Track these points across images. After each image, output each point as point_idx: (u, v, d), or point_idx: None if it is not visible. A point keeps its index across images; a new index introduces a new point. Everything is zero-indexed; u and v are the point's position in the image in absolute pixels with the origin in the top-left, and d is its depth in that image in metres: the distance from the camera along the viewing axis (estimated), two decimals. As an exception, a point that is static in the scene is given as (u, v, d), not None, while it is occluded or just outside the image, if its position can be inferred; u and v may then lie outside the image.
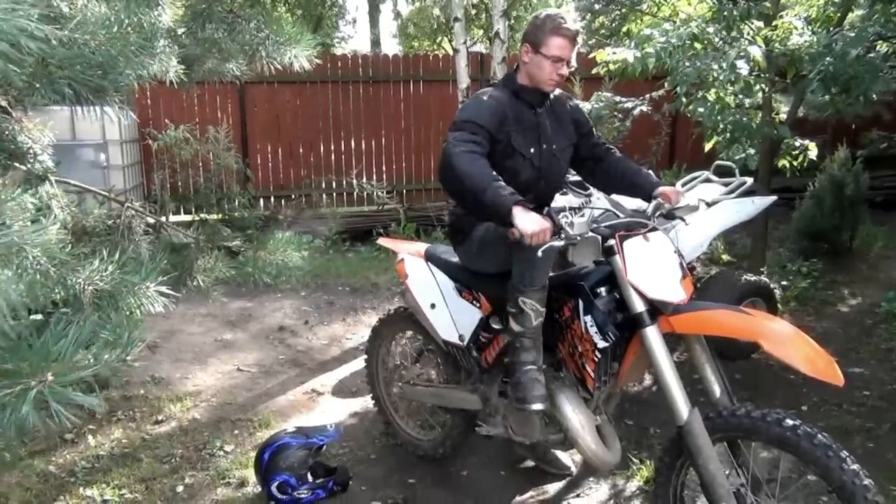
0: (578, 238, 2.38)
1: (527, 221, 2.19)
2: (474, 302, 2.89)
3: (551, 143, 2.73)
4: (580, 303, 2.42)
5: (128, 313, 1.59)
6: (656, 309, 2.28)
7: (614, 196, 4.28)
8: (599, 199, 4.16)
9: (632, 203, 2.99)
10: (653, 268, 2.30)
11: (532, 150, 2.66)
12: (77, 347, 1.40)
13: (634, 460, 3.18)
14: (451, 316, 2.95)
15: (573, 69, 2.65)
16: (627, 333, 2.39)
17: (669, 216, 2.54)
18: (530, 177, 2.66)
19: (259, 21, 2.15)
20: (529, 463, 3.30)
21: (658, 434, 3.47)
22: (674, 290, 2.27)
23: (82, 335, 1.42)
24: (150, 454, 3.40)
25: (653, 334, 2.27)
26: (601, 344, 2.37)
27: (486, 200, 2.28)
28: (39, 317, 1.65)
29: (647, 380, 4.05)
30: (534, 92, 2.68)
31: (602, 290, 2.41)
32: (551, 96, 2.76)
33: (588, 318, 2.39)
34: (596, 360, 2.41)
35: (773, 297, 4.57)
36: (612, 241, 2.34)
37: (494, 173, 2.36)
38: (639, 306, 2.28)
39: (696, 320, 2.23)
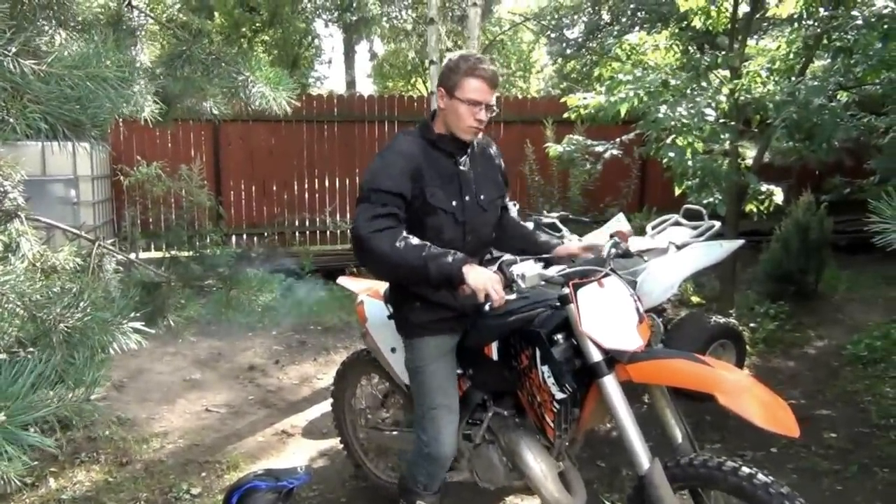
0: (529, 292, 2.34)
1: (478, 278, 2.18)
2: None
3: (477, 194, 2.53)
4: (537, 351, 2.36)
5: (99, 350, 1.56)
6: (613, 357, 2.25)
7: (588, 237, 4.33)
8: (572, 241, 4.21)
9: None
10: (608, 315, 2.27)
11: (454, 202, 2.45)
12: (36, 387, 1.36)
13: (606, 503, 3.17)
14: None
15: (494, 113, 2.48)
16: (587, 379, 2.34)
17: (626, 255, 2.54)
18: (455, 234, 2.48)
19: (239, 63, 2.17)
20: (502, 506, 3.28)
21: (630, 475, 3.46)
22: (630, 337, 2.25)
23: (43, 374, 1.38)
24: (113, 498, 3.31)
25: (610, 384, 2.23)
26: (559, 395, 2.33)
27: (431, 276, 2.19)
28: (3, 356, 1.61)
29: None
30: (452, 140, 2.47)
31: (559, 336, 2.35)
32: (475, 144, 2.57)
33: (545, 368, 2.33)
34: (555, 410, 2.37)
35: (742, 338, 4.63)
36: (565, 290, 2.29)
37: (421, 242, 2.24)
38: (595, 356, 2.24)
39: (652, 369, 2.21)
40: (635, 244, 3.70)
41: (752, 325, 5.71)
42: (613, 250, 2.50)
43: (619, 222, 4.56)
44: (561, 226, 4.35)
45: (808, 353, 5.39)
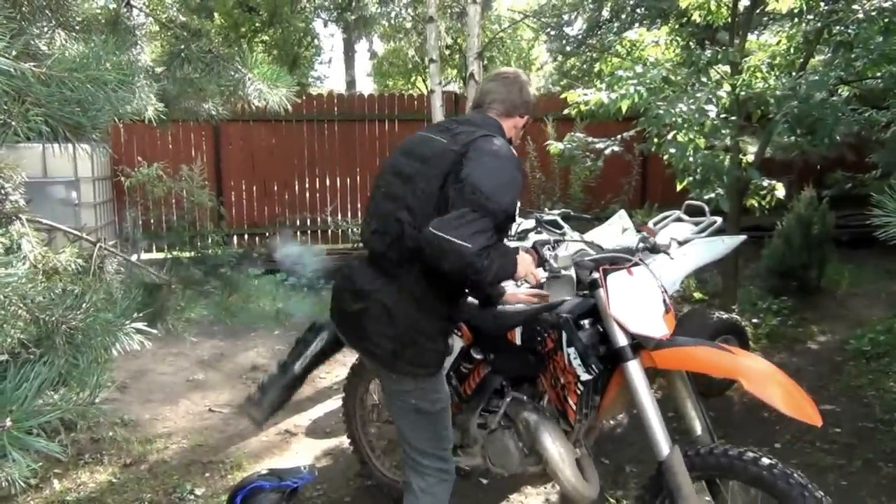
0: (562, 271, 2.41)
1: (521, 267, 2.16)
2: (456, 331, 2.88)
3: None
4: (563, 335, 2.40)
5: (102, 351, 1.56)
6: (639, 343, 2.29)
7: (590, 234, 4.33)
8: (573, 238, 4.21)
9: (609, 240, 3.01)
10: (636, 302, 2.31)
11: None
12: (40, 391, 1.36)
13: (611, 500, 3.16)
14: None
15: None
16: (610, 366, 2.39)
17: (654, 250, 2.57)
18: None
19: (238, 61, 2.17)
20: None
21: (634, 472, 3.46)
22: (656, 325, 2.28)
23: (48, 378, 1.38)
24: (118, 499, 3.31)
25: (634, 369, 2.27)
26: (584, 377, 2.36)
27: (494, 281, 2.21)
28: (5, 357, 1.61)
29: (623, 418, 4.05)
30: None
31: (585, 322, 2.40)
32: None
33: (571, 351, 2.37)
34: (578, 392, 2.40)
35: (745, 334, 4.62)
36: (595, 275, 2.35)
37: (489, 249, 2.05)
38: (621, 340, 2.28)
39: (677, 356, 2.25)
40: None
41: (754, 320, 5.70)
42: (641, 244, 2.54)
43: (621, 219, 4.56)
44: (562, 223, 4.33)
45: (811, 349, 5.38)
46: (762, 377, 2.13)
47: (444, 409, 2.33)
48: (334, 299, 2.38)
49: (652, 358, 2.26)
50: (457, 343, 2.87)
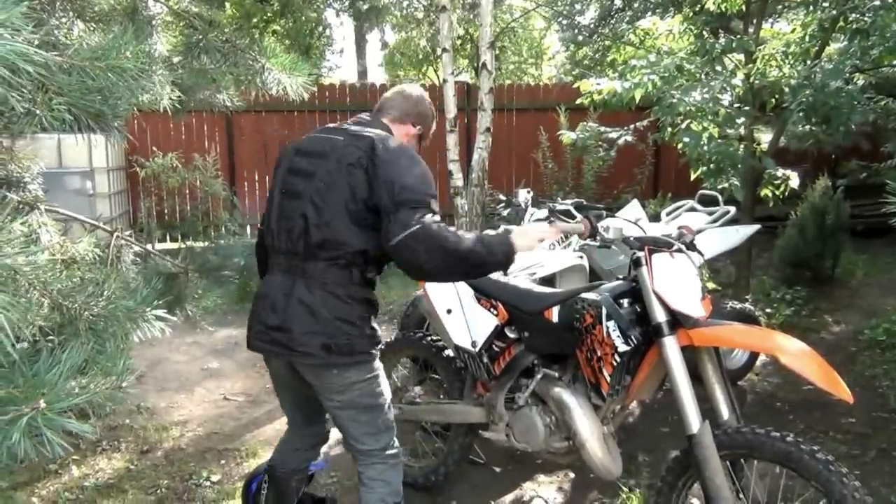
0: (611, 243, 2.52)
1: (524, 241, 2.20)
2: (492, 310, 2.96)
3: None
4: (603, 310, 2.49)
5: (122, 337, 1.58)
6: (676, 321, 2.34)
7: (603, 223, 4.34)
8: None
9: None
10: (677, 283, 2.38)
11: None
12: (70, 374, 1.39)
13: (623, 488, 3.18)
14: (467, 321, 3.02)
15: None
16: (644, 347, 2.45)
17: (690, 247, 2.61)
18: None
19: (256, 51, 2.18)
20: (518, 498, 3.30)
21: (646, 461, 3.47)
22: (695, 305, 2.35)
23: (76, 362, 1.41)
24: (135, 485, 3.36)
25: (671, 344, 2.33)
26: (622, 348, 2.43)
27: (489, 265, 2.13)
28: (26, 344, 1.64)
29: (635, 407, 4.05)
30: None
31: (624, 301, 2.49)
32: None
33: (611, 324, 2.46)
34: (614, 364, 2.47)
35: (759, 324, 4.60)
36: (640, 254, 2.43)
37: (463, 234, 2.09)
38: (660, 316, 2.34)
39: (714, 333, 2.30)
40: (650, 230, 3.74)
41: (768, 310, 5.68)
42: (680, 239, 2.63)
43: (634, 209, 4.55)
44: (575, 213, 4.34)
45: (825, 339, 5.36)
46: (799, 353, 2.20)
47: (385, 403, 2.32)
48: (252, 325, 2.28)
49: (689, 336, 2.32)
50: (491, 321, 2.94)
